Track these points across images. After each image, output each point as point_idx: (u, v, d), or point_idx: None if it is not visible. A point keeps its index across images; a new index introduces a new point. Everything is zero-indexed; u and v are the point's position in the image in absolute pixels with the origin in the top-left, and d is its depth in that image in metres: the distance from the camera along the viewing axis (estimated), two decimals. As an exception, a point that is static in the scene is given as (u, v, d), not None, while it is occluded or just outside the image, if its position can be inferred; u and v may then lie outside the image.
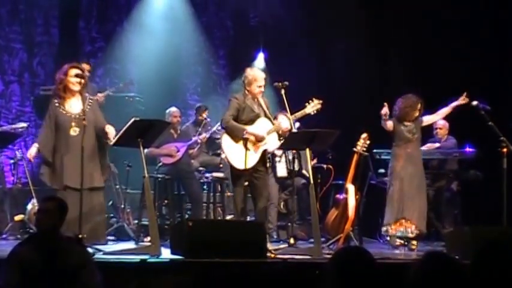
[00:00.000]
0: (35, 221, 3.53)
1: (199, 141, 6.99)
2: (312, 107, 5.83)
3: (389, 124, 6.36)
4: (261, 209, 5.77)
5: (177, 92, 8.81)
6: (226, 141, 5.69)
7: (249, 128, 5.63)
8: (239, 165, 5.57)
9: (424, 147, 7.04)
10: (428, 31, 8.19)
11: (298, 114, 5.83)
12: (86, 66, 6.12)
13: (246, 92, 5.73)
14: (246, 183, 5.62)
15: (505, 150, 5.99)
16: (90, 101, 5.41)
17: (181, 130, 7.20)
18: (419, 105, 6.37)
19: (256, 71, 5.83)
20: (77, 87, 5.36)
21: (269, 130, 5.69)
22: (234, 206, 5.86)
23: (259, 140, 5.64)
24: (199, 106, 7.57)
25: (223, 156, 6.51)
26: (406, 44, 8.26)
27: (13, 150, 7.10)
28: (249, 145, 5.60)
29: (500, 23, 8.22)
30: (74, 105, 5.38)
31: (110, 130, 5.37)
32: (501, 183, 5.88)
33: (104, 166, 5.57)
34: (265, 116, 5.74)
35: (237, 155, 5.57)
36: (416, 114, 6.38)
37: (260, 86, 5.71)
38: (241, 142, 5.58)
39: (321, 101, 5.85)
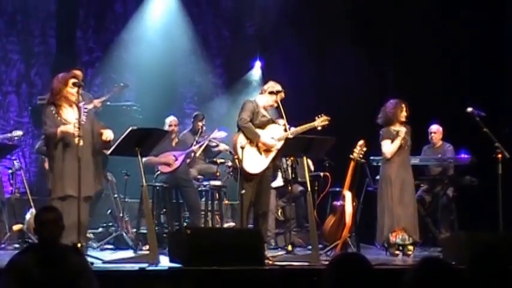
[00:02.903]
0: (36, 233, 3.51)
1: (193, 152, 7.00)
2: (321, 121, 6.05)
3: (386, 148, 6.35)
4: (262, 214, 5.84)
5: (174, 100, 8.84)
6: (241, 142, 5.77)
7: (263, 137, 5.79)
8: (251, 168, 5.70)
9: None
10: (423, 40, 8.24)
11: (307, 126, 6.02)
12: (78, 73, 6.12)
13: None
14: (243, 191, 5.68)
15: (499, 156, 6.02)
16: (85, 110, 5.38)
17: (180, 139, 7.23)
18: (403, 105, 6.36)
19: (275, 84, 5.99)
20: (75, 97, 5.35)
21: (280, 137, 5.87)
22: (240, 210, 5.81)
23: (268, 148, 5.79)
24: (196, 114, 7.60)
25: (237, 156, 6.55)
26: (402, 52, 8.31)
27: (11, 160, 7.11)
28: (261, 150, 5.79)
29: (494, 29, 8.28)
30: (69, 115, 5.34)
31: (106, 131, 5.32)
32: (496, 188, 5.91)
33: (97, 176, 5.46)
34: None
35: (250, 157, 5.69)
36: (404, 114, 6.36)
37: (272, 94, 5.89)
38: (254, 146, 5.74)
39: (329, 118, 6.07)
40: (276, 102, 5.92)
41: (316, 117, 6.07)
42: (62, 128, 5.18)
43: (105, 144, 5.36)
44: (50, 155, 5.32)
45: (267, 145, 5.79)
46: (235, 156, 5.77)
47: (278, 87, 5.96)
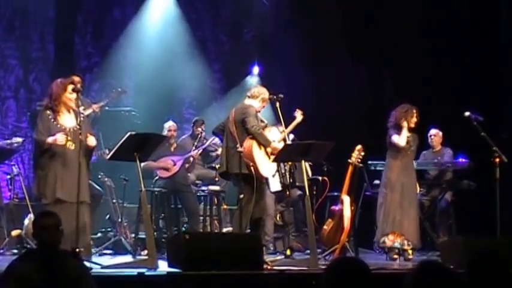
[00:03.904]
0: (36, 238, 3.51)
1: (191, 157, 7.01)
2: (300, 115, 6.31)
3: (396, 139, 6.36)
4: (260, 219, 5.86)
5: (172, 105, 8.85)
6: (256, 148, 5.79)
7: (274, 143, 5.87)
8: (266, 173, 5.83)
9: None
10: (422, 44, 8.27)
11: (294, 123, 6.25)
12: (77, 79, 6.13)
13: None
14: (242, 196, 5.69)
15: (497, 160, 6.05)
16: (82, 116, 5.39)
17: (178, 143, 7.24)
18: (414, 111, 6.41)
19: (266, 91, 6.07)
20: (73, 103, 5.37)
21: (279, 139, 6.02)
22: (238, 217, 5.75)
23: (272, 152, 5.88)
24: (196, 120, 7.60)
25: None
26: (399, 57, 8.33)
27: (9, 165, 7.11)
28: (269, 154, 5.90)
29: (491, 36, 8.31)
30: (67, 120, 5.35)
31: (90, 138, 5.36)
32: (494, 193, 5.93)
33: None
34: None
35: (262, 161, 5.77)
36: (415, 120, 6.39)
37: (265, 101, 6.01)
38: (263, 150, 5.81)
39: (301, 112, 6.34)
40: (264, 107, 6.04)
41: (294, 114, 6.29)
42: (49, 140, 5.21)
43: (90, 150, 5.39)
44: (38, 159, 5.33)
45: (275, 150, 5.83)
46: (251, 164, 5.68)
47: (267, 93, 6.03)
